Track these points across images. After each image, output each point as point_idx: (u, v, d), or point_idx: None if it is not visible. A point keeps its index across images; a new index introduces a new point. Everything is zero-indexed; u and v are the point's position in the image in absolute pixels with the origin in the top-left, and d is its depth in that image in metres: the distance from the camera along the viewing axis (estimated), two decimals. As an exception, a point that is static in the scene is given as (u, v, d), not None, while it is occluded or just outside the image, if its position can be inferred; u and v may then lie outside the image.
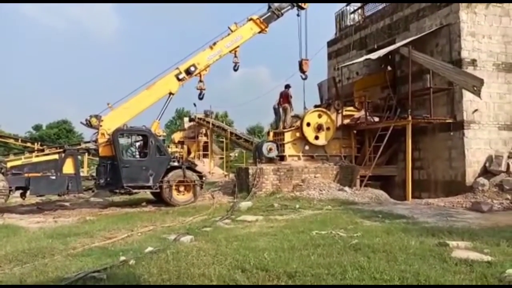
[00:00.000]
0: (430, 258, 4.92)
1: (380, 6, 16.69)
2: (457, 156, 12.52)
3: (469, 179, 12.18)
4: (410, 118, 12.53)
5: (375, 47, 15.78)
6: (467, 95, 12.25)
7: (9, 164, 10.85)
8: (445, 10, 13.00)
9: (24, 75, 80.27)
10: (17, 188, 10.76)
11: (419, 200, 12.31)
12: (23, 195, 11.32)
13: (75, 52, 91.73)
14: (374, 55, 13.81)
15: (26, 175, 10.60)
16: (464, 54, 12.52)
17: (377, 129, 13.65)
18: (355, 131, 15.07)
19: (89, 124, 11.54)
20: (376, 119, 14.34)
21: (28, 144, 28.09)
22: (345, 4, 18.41)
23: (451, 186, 12.56)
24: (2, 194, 10.03)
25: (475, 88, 11.52)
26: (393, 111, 13.73)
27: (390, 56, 15.35)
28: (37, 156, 11.64)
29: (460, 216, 8.86)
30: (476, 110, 12.47)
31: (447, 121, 12.70)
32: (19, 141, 28.74)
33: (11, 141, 28.52)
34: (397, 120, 13.16)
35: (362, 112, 14.84)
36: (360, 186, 13.35)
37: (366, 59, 14.77)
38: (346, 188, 12.72)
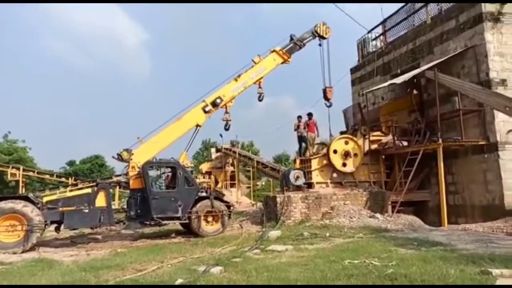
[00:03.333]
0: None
1: (402, 32, 16.75)
2: (493, 179, 12.01)
3: (508, 202, 11.60)
4: (440, 141, 12.22)
5: (399, 71, 15.71)
6: (499, 116, 11.88)
7: (45, 199, 11.23)
8: (469, 32, 12.87)
9: (58, 113, 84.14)
10: (52, 222, 11.06)
11: (456, 225, 11.79)
12: (57, 229, 11.61)
13: (105, 91, 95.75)
14: (399, 79, 13.72)
15: (60, 209, 10.92)
16: (493, 74, 12.24)
17: (407, 153, 13.35)
18: (383, 156, 14.80)
19: (120, 158, 11.88)
20: (405, 143, 14.05)
21: (63, 179, 29.08)
22: (366, 31, 18.57)
23: (489, 210, 11.99)
24: (38, 228, 10.32)
25: (507, 109, 11.17)
26: (422, 135, 13.45)
27: (415, 80, 15.20)
28: (71, 190, 12.01)
29: (502, 242, 8.39)
30: (510, 131, 12.03)
31: (480, 143, 12.29)
32: (54, 176, 29.81)
33: (47, 176, 29.65)
34: (427, 143, 12.86)
35: (390, 137, 14.61)
36: (392, 212, 12.95)
37: (391, 84, 14.68)
38: (378, 215, 12.37)
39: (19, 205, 10.29)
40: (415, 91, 15.78)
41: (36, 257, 8.96)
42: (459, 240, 8.71)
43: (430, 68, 13.00)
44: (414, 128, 14.06)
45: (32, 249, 10.18)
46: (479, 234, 9.95)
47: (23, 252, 9.88)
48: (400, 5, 16.67)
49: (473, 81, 12.54)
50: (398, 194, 13.33)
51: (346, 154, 14.13)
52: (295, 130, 15.91)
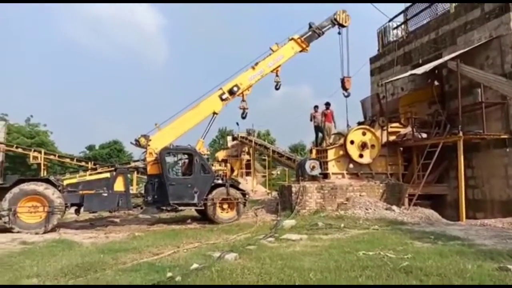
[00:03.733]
0: (490, 284, 4.60)
1: (425, 20, 16.33)
2: (515, 174, 11.73)
3: (530, 198, 11.35)
4: (461, 134, 11.96)
5: (420, 62, 15.35)
6: (524, 109, 11.54)
7: (65, 182, 11.51)
8: (495, 22, 12.46)
9: (78, 98, 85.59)
10: (72, 205, 11.35)
11: (474, 220, 11.60)
12: (77, 211, 11.92)
13: (124, 76, 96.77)
14: (420, 70, 13.43)
15: (80, 192, 11.20)
16: (518, 66, 11.87)
17: (426, 145, 13.13)
18: (401, 148, 14.59)
19: (138, 144, 12.04)
20: (424, 135, 13.81)
21: (83, 163, 29.74)
22: (387, 20, 18.17)
23: (509, 205, 11.74)
24: (59, 210, 10.61)
25: (532, 102, 10.84)
26: (442, 127, 13.18)
27: (436, 71, 14.86)
28: (90, 174, 12.26)
29: (521, 239, 8.23)
30: (534, 125, 11.70)
31: (502, 136, 11.99)
32: (74, 160, 30.51)
33: (67, 160, 30.33)
34: (447, 136, 12.61)
35: (409, 129, 14.37)
36: (409, 205, 12.81)
37: (412, 74, 14.37)
38: (394, 207, 12.27)
39: (41, 187, 10.57)
40: (436, 82, 15.43)
41: (56, 238, 9.22)
42: (477, 235, 8.58)
43: (452, 59, 12.68)
44: (434, 120, 13.79)
45: (53, 230, 10.47)
46: (498, 229, 9.77)
47: (44, 232, 10.19)
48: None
49: (497, 72, 12.18)
50: (416, 187, 13.16)
51: (363, 145, 13.99)
52: (311, 120, 15.81)
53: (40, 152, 28.66)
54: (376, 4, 15.85)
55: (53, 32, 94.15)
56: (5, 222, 10.12)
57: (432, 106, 14.62)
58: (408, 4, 17.09)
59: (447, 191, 13.94)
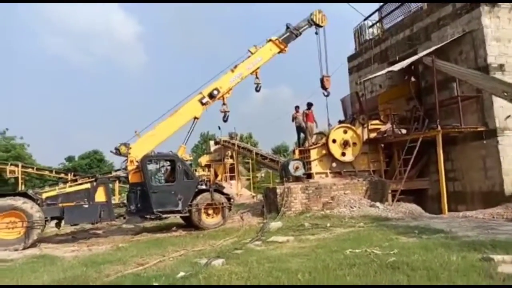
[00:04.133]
0: (474, 275, 4.66)
1: (399, 18, 16.62)
2: (492, 165, 12.02)
3: (508, 188, 11.64)
4: (439, 128, 12.19)
5: (397, 59, 15.60)
6: (498, 101, 11.85)
7: (44, 195, 11.20)
8: (466, 17, 12.77)
9: (55, 109, 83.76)
10: (52, 218, 11.05)
11: (456, 213, 11.82)
12: (58, 225, 11.62)
13: (101, 85, 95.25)
14: (396, 67, 13.64)
15: (60, 205, 10.91)
16: (491, 59, 12.18)
17: (406, 141, 13.33)
18: (382, 145, 14.78)
19: (118, 152, 11.83)
20: (404, 131, 14.03)
21: (62, 175, 29.02)
22: (363, 19, 18.41)
23: (489, 196, 12.02)
24: (39, 225, 10.30)
25: (506, 94, 11.13)
26: (421, 122, 13.42)
27: (413, 67, 15.13)
28: (70, 186, 11.97)
29: (503, 228, 8.40)
30: (509, 116, 12.01)
31: (479, 129, 12.28)
32: (53, 172, 29.73)
33: (46, 173, 29.56)
34: (426, 131, 12.83)
35: (389, 125, 14.57)
36: (392, 201, 12.97)
37: (389, 71, 14.60)
38: (378, 204, 12.38)
39: (18, 201, 10.26)
40: (413, 78, 15.72)
41: (37, 254, 8.96)
42: (460, 227, 8.72)
43: (427, 55, 12.93)
44: (412, 116, 14.04)
45: (33, 245, 10.17)
46: (480, 221, 9.97)
47: (24, 248, 9.89)
48: (396, -9, 16.51)
49: (471, 66, 12.48)
50: (398, 182, 13.34)
51: (345, 144, 14.10)
52: (292, 120, 15.84)
53: (17, 165, 27.79)
54: (352, 4, 15.99)
55: (28, 42, 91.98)
56: (-19, 240, 9.77)
57: (410, 102, 14.88)
58: (382, 3, 17.36)
59: (428, 185, 14.17)
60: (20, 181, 27.05)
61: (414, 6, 15.69)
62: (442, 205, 12.16)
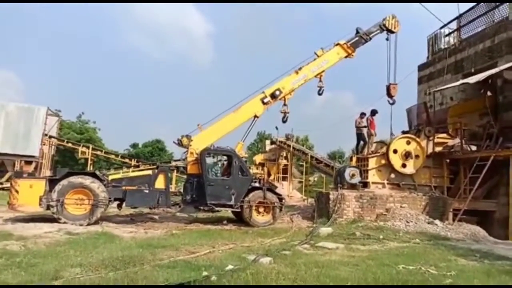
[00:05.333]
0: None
1: (479, 28, 15.57)
2: None
3: None
4: (514, 148, 11.25)
5: (473, 71, 14.63)
6: None
7: (110, 177, 11.97)
8: (559, 29, 11.65)
9: (127, 98, 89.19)
10: (115, 199, 11.78)
11: (525, 241, 10.86)
12: (119, 206, 12.36)
13: (170, 78, 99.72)
14: (472, 79, 12.79)
15: (123, 187, 11.60)
16: None
17: (474, 159, 12.45)
18: (448, 160, 13.94)
19: (180, 143, 12.32)
20: (474, 148, 13.13)
21: (126, 160, 30.92)
22: (439, 26, 17.50)
23: None
24: (103, 204, 11.05)
25: None
26: (494, 140, 12.47)
27: (490, 81, 14.10)
28: (133, 171, 12.67)
29: None
30: None
31: (561, 153, 11.16)
32: (119, 157, 31.78)
33: (113, 156, 31.71)
34: (499, 150, 11.90)
35: (457, 140, 13.72)
36: (453, 220, 12.20)
37: (463, 83, 13.73)
38: (437, 222, 11.73)
39: (87, 180, 11.06)
40: (489, 93, 14.64)
41: (99, 231, 9.59)
42: (528, 257, 8.00)
43: (509, 68, 11.97)
44: (485, 132, 13.09)
45: (96, 222, 10.91)
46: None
47: (88, 224, 10.64)
48: (478, -1, 15.48)
49: (559, 84, 11.38)
50: (462, 201, 12.51)
51: (407, 155, 13.50)
52: (355, 126, 15.49)
53: (88, 147, 30.14)
54: (426, 5, 15.10)
55: (110, 36, 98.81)
56: (53, 213, 10.68)
57: (484, 117, 13.87)
58: (462, 11, 16.38)
59: (495, 208, 13.11)
60: (89, 162, 29.23)
61: (498, 16, 14.61)
62: (509, 231, 11.23)
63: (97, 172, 12.14)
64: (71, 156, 35.66)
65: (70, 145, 31.00)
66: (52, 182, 11.01)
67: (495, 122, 13.00)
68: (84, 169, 26.20)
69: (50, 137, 27.83)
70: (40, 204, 10.72)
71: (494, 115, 13.39)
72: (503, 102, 13.52)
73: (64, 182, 10.88)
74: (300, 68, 13.06)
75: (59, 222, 10.44)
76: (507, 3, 13.96)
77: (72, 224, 10.45)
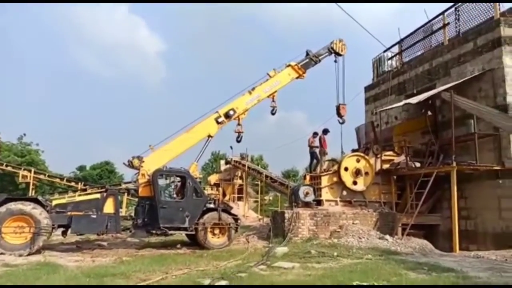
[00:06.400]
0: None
1: (419, 52, 16.71)
2: (508, 206, 11.73)
3: (523, 231, 11.30)
4: (454, 164, 12.01)
5: (415, 92, 15.60)
6: (516, 141, 11.66)
7: (54, 202, 11.25)
8: (487, 55, 12.76)
9: (72, 117, 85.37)
10: (60, 226, 11.06)
11: (467, 252, 11.49)
12: (64, 233, 11.61)
13: (120, 98, 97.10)
14: (414, 100, 13.61)
15: (69, 213, 10.93)
16: (510, 99, 12.08)
17: (419, 175, 13.13)
18: (395, 177, 14.58)
19: (131, 165, 11.90)
20: (418, 164, 13.85)
21: (72, 184, 29.29)
22: (382, 50, 18.55)
23: (502, 238, 11.67)
24: (46, 231, 10.32)
25: (524, 134, 10.96)
26: (436, 157, 13.26)
27: (430, 101, 15.07)
28: (80, 195, 12.03)
29: (516, 272, 8.12)
30: (526, 157, 11.78)
31: (495, 168, 12.06)
32: (64, 180, 30.04)
33: (57, 180, 29.88)
34: (440, 166, 12.65)
35: (402, 157, 14.42)
36: (402, 235, 12.69)
37: (406, 104, 14.57)
38: (387, 237, 12.13)
39: (28, 207, 10.31)
40: (429, 112, 15.63)
41: (41, 261, 8.94)
42: (471, 267, 8.45)
43: (446, 90, 12.88)
44: (427, 150, 13.89)
45: (38, 252, 10.17)
46: (492, 262, 9.64)
47: (29, 254, 9.88)
48: (417, 25, 16.68)
49: (490, 104, 12.39)
50: (409, 216, 13.07)
51: (357, 172, 13.97)
52: (309, 145, 15.85)
53: (29, 171, 28.25)
54: (371, 33, 16.06)
55: (54, 54, 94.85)
56: (-12, 243, 9.80)
57: (426, 135, 14.74)
58: (403, 36, 17.51)
59: (440, 222, 13.85)
60: (31, 186, 27.39)
61: (434, 41, 15.79)
62: (453, 243, 11.83)
63: (40, 197, 11.38)
64: (11, 180, 33.24)
65: (9, 168, 28.87)
66: (-12, 210, 10.15)
67: (436, 140, 13.85)
68: (25, 194, 24.48)
69: (-13, 160, 25.84)
70: (-27, 234, 9.81)
71: (435, 133, 14.28)
72: (442, 121, 14.47)
73: (2, 209, 10.09)
74: (253, 89, 13.23)
75: (-5, 253, 9.59)
76: (442, 30, 15.13)
77: (11, 254, 9.66)
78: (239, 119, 13.10)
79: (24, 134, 42.72)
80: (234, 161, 27.02)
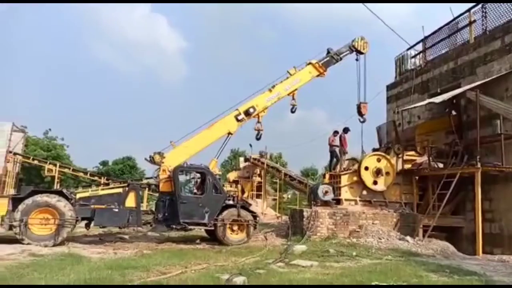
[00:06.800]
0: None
1: (443, 50, 16.33)
2: (534, 209, 11.36)
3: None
4: (479, 165, 11.70)
5: (438, 91, 15.25)
6: (545, 143, 11.27)
7: (78, 196, 11.57)
8: (516, 53, 12.36)
9: (96, 114, 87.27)
10: (83, 219, 11.36)
11: (491, 256, 11.21)
12: (87, 226, 11.92)
13: (142, 94, 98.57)
14: (438, 99, 13.32)
15: (92, 206, 11.22)
16: (539, 99, 11.69)
17: (442, 176, 12.85)
18: (417, 177, 14.32)
19: (152, 161, 12.10)
20: (441, 165, 13.57)
21: (96, 178, 29.92)
22: (406, 48, 18.22)
23: (528, 242, 11.33)
24: (70, 224, 10.62)
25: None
26: (459, 158, 12.94)
27: (454, 101, 14.72)
28: (103, 189, 12.30)
29: (542, 278, 7.87)
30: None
31: (522, 170, 11.69)
32: (88, 174, 30.73)
33: (81, 174, 30.58)
34: (464, 167, 12.35)
35: (425, 157, 14.15)
36: (423, 236, 12.46)
37: (429, 103, 14.28)
38: (408, 238, 11.95)
39: (53, 199, 10.64)
40: (454, 112, 15.27)
41: (65, 252, 9.21)
42: (495, 272, 8.26)
43: (471, 89, 12.56)
44: (451, 150, 13.56)
45: (62, 243, 10.48)
46: (517, 266, 9.39)
47: (53, 245, 10.19)
48: (442, 23, 16.29)
49: (518, 105, 12.00)
50: (431, 218, 12.81)
51: (378, 172, 13.79)
52: (329, 144, 15.74)
53: (55, 165, 29.01)
54: (394, 28, 15.75)
55: (78, 51, 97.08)
56: (16, 233, 10.17)
57: (449, 136, 14.41)
58: (427, 34, 17.14)
59: (463, 224, 13.53)
60: (56, 180, 28.14)
61: (460, 39, 15.40)
62: (476, 246, 11.55)
63: (64, 190, 11.71)
64: (37, 173, 34.26)
65: (36, 162, 29.72)
66: (15, 201, 10.55)
67: (460, 140, 13.52)
68: (50, 187, 25.20)
69: (15, 154, 26.68)
70: (1, 225, 10.20)
71: (459, 133, 13.93)
72: (466, 121, 14.11)
73: (28, 201, 10.43)
74: (273, 86, 13.22)
75: (23, 243, 9.95)
76: (468, 28, 14.74)
77: (37, 245, 10.00)
78: (259, 117, 13.13)
79: (50, 129, 43.88)
80: (253, 158, 27.07)
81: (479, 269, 8.35)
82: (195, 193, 12.36)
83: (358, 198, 13.89)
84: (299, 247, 10.43)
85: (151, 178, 13.28)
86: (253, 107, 12.91)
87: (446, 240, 12.53)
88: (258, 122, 13.20)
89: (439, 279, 7.10)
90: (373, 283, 6.28)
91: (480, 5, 14.22)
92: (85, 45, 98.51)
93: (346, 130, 15.45)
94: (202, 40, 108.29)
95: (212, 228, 11.82)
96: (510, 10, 13.10)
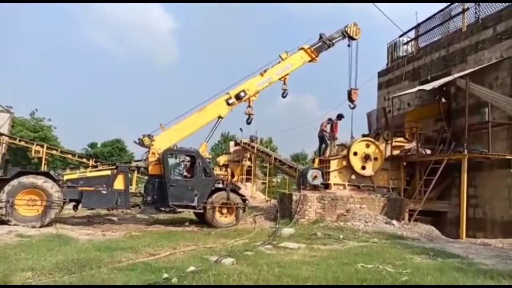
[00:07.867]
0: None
1: (436, 37, 16.35)
2: (518, 196, 11.62)
3: (532, 221, 11.22)
4: (466, 152, 11.88)
5: (429, 78, 15.33)
6: (530, 131, 11.46)
7: (65, 177, 11.47)
8: (506, 43, 12.43)
9: (85, 95, 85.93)
10: (71, 200, 11.30)
11: (474, 239, 11.47)
12: (75, 207, 11.87)
13: (132, 76, 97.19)
14: (428, 86, 13.40)
15: (80, 188, 11.15)
16: (527, 87, 11.82)
17: (429, 162, 13.04)
18: (404, 163, 14.51)
19: (141, 143, 12.03)
20: (428, 151, 13.75)
21: (84, 160, 29.65)
22: (398, 35, 18.19)
23: (510, 227, 11.62)
24: (57, 205, 10.56)
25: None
26: (447, 144, 13.12)
27: (444, 88, 14.83)
28: (91, 171, 12.22)
29: (523, 261, 8.10)
30: (540, 147, 11.60)
31: (507, 157, 11.90)
32: (76, 156, 30.44)
33: (69, 156, 30.28)
34: (451, 153, 12.53)
35: (413, 144, 14.32)
36: (409, 220, 12.71)
37: (420, 90, 14.36)
38: (394, 222, 12.17)
39: (40, 180, 10.55)
40: (443, 100, 15.39)
41: (53, 233, 9.17)
42: (477, 254, 8.47)
43: (462, 77, 12.64)
44: (439, 137, 13.73)
45: (50, 224, 10.44)
46: (499, 250, 9.64)
47: (41, 226, 10.16)
48: (435, 10, 16.26)
49: (506, 93, 12.14)
50: (417, 202, 13.06)
51: (366, 157, 13.93)
52: (321, 129, 15.79)
53: (42, 146, 28.64)
54: (387, 13, 15.62)
55: (69, 31, 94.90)
56: (2, 214, 10.09)
57: (438, 123, 14.57)
58: (420, 21, 17.11)
59: (448, 209, 13.82)
60: (43, 161, 27.83)
61: (452, 27, 15.42)
62: (460, 230, 11.84)
63: (51, 172, 11.59)
64: (24, 155, 33.85)
65: (22, 143, 29.34)
66: (1, 182, 10.43)
67: (448, 127, 13.67)
68: (37, 169, 24.94)
69: (1, 134, 26.31)
70: (-13, 206, 10.09)
71: (447, 121, 14.09)
72: (456, 108, 14.25)
73: (15, 182, 10.34)
74: (265, 71, 13.15)
75: (9, 224, 9.88)
76: (460, 16, 14.74)
77: (24, 226, 9.95)
78: (249, 101, 13.08)
79: (36, 110, 43.17)
80: (243, 143, 27.06)
81: (462, 252, 8.56)
82: (185, 176, 12.35)
83: (346, 183, 14.04)
84: (287, 230, 10.55)
85: (140, 161, 13.22)
86: (244, 91, 12.84)
87: (431, 224, 12.79)
88: (249, 106, 13.15)
89: (423, 261, 7.26)
90: (358, 265, 6.40)
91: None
92: (76, 25, 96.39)
93: (340, 116, 15.46)
94: (193, 21, 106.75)
95: (202, 211, 11.87)
96: (502, -1, 13.13)
